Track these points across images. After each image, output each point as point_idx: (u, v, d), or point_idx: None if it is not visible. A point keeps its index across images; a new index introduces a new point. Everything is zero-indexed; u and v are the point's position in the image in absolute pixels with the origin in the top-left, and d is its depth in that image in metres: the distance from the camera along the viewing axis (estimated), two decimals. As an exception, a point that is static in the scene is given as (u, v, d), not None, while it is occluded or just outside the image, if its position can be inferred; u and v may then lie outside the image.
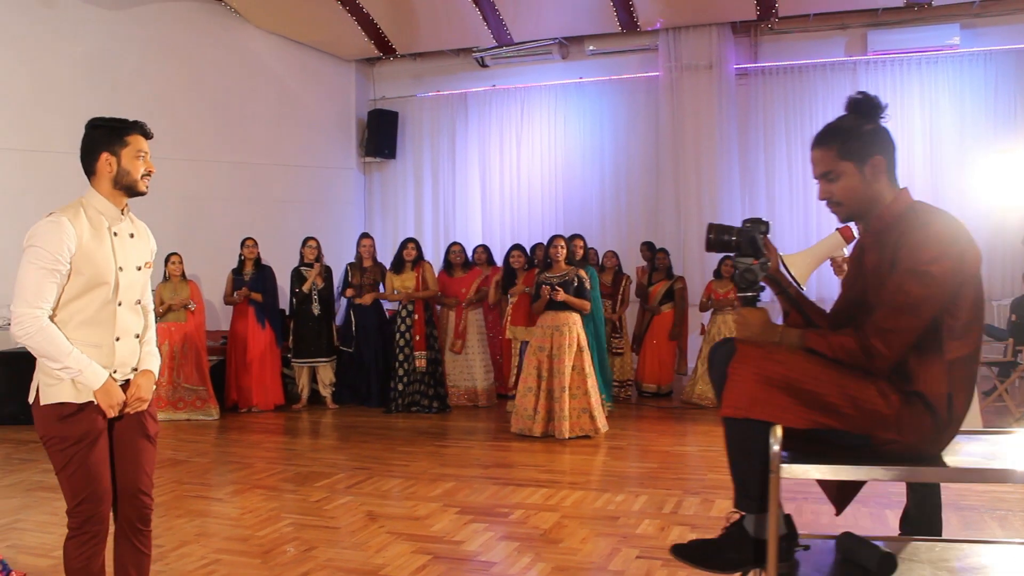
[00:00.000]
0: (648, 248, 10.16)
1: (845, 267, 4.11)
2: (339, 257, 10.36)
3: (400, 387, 8.86)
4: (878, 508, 4.98)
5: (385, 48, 12.19)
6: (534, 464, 6.46)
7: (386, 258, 10.12)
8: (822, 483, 2.52)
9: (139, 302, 3.09)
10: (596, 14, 11.04)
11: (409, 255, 8.97)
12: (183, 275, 8.81)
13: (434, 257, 11.61)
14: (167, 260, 8.75)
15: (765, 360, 2.31)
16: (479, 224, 12.50)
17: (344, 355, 9.45)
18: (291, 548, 4.53)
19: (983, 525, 4.77)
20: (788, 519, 2.52)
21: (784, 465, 2.24)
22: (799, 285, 4.00)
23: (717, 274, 9.29)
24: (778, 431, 2.24)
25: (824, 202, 2.56)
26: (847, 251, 4.18)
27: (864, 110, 2.51)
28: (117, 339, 2.99)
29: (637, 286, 9.99)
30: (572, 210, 12.02)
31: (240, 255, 9.21)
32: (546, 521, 4.95)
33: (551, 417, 7.26)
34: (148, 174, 3.06)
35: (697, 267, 11.02)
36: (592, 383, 7.27)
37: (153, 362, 3.17)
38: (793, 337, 2.41)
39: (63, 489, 2.96)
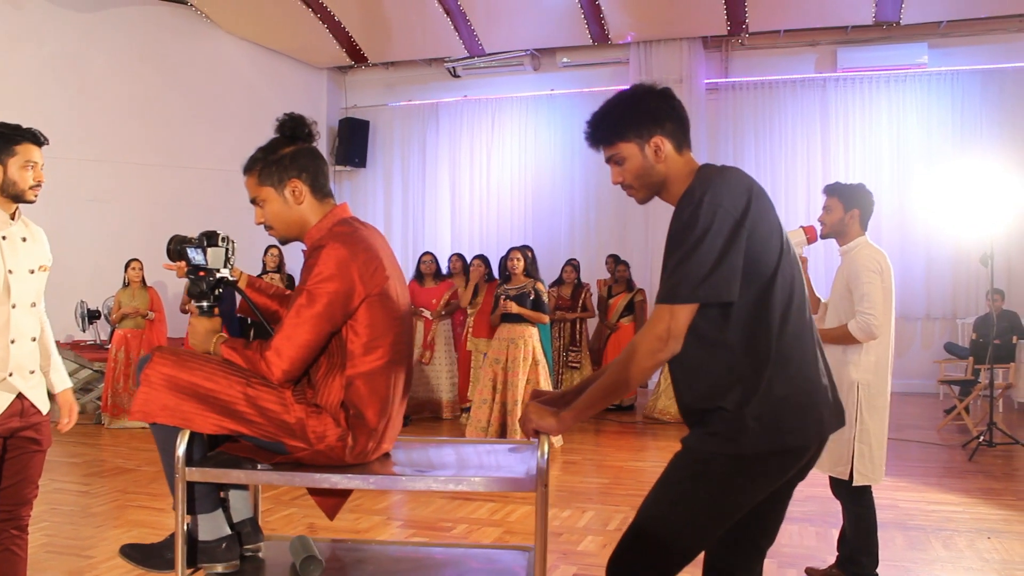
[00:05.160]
0: (614, 260, 10.13)
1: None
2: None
3: None
4: (824, 527, 4.96)
5: (357, 56, 12.16)
6: (485, 477, 6.39)
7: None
8: (312, 493, 2.63)
9: (34, 305, 3.04)
10: (568, 26, 11.06)
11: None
12: (143, 282, 8.72)
13: (402, 267, 11.55)
14: (127, 266, 8.66)
15: (177, 367, 2.39)
16: (448, 234, 12.47)
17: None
18: (225, 561, 4.45)
19: (927, 545, 4.75)
20: (251, 521, 2.66)
21: (187, 468, 2.34)
22: None
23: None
24: (185, 435, 2.35)
25: (261, 226, 2.63)
26: (805, 251, 4.21)
27: (287, 132, 2.57)
28: (12, 342, 2.94)
29: (599, 299, 9.95)
30: (541, 221, 12.02)
31: (200, 262, 9.11)
32: (488, 536, 4.89)
33: (504, 430, 7.21)
34: (37, 184, 2.97)
35: (664, 281, 11.02)
36: (547, 397, 7.22)
37: (65, 377, 3.27)
38: (218, 347, 2.49)
39: None
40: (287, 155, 2.53)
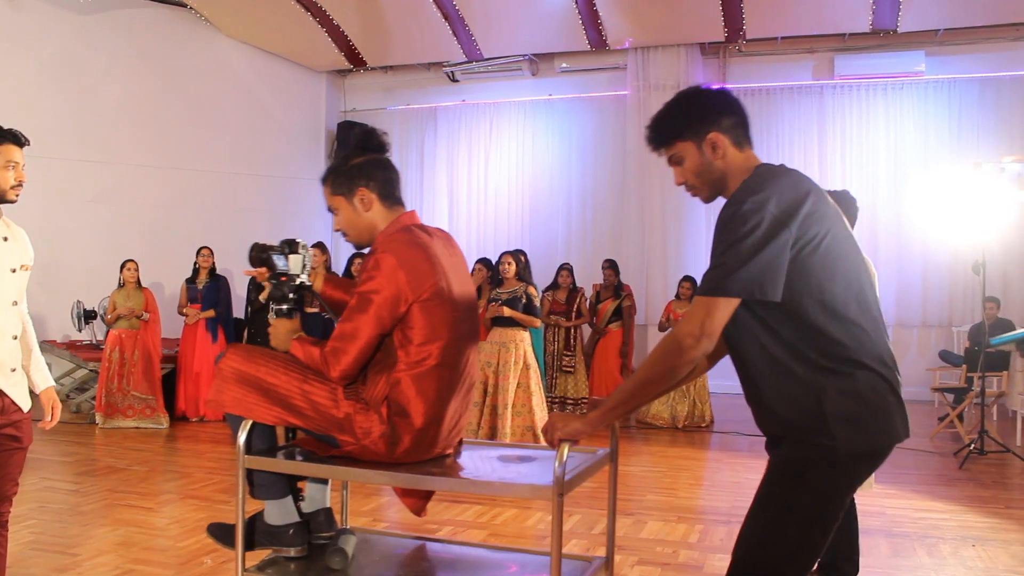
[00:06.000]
0: (610, 266, 10.13)
1: None
2: (301, 268, 10.31)
3: None
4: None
5: (356, 60, 12.18)
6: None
7: (341, 269, 10.08)
8: (398, 492, 2.72)
9: (15, 303, 3.06)
10: (566, 32, 11.07)
11: (357, 269, 8.99)
12: (138, 282, 8.73)
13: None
14: (123, 267, 8.68)
15: (246, 362, 2.58)
16: (445, 238, 12.48)
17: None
18: (208, 559, 4.46)
19: (911, 552, 4.76)
20: (325, 512, 2.79)
21: (246, 456, 2.55)
22: None
23: (678, 296, 9.28)
24: (247, 425, 2.54)
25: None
26: None
27: (359, 143, 2.74)
28: None
29: (590, 304, 9.92)
30: (538, 226, 12.04)
31: (195, 264, 9.13)
32: (473, 539, 4.88)
33: (494, 433, 7.21)
34: (19, 184, 3.00)
35: (660, 287, 11.04)
36: (537, 401, 7.21)
37: (48, 375, 3.31)
38: (290, 344, 2.64)
39: None
40: (356, 165, 2.66)
